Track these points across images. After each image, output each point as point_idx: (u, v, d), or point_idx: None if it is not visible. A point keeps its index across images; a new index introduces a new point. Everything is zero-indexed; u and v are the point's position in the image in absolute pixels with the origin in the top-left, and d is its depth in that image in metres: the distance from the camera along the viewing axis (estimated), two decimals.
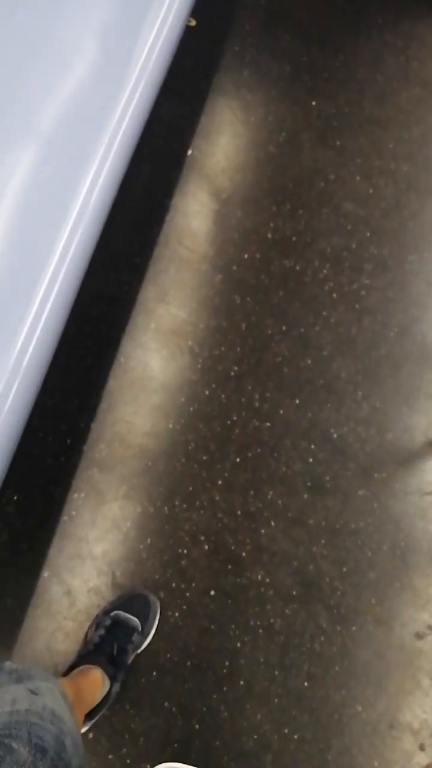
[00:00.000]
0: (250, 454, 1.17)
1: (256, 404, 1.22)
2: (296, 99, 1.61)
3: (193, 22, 1.58)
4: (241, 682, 1.02)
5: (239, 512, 1.12)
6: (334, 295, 1.37)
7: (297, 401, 1.24)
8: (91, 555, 1.05)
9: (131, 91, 0.91)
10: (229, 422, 1.19)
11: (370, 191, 1.52)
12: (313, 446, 1.20)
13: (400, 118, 1.65)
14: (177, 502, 1.11)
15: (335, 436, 1.22)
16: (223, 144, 1.51)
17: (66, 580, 1.04)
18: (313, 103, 1.62)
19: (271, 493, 1.15)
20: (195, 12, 1.55)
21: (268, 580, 1.08)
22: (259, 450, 1.18)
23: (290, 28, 1.72)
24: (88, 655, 0.96)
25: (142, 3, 1.00)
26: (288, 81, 1.64)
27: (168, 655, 1.02)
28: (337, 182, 1.52)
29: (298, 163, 1.52)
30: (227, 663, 1.03)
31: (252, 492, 1.14)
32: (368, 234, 1.46)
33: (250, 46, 1.65)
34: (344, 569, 1.12)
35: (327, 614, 1.08)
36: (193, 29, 1.59)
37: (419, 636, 1.09)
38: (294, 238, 1.42)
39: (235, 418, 1.20)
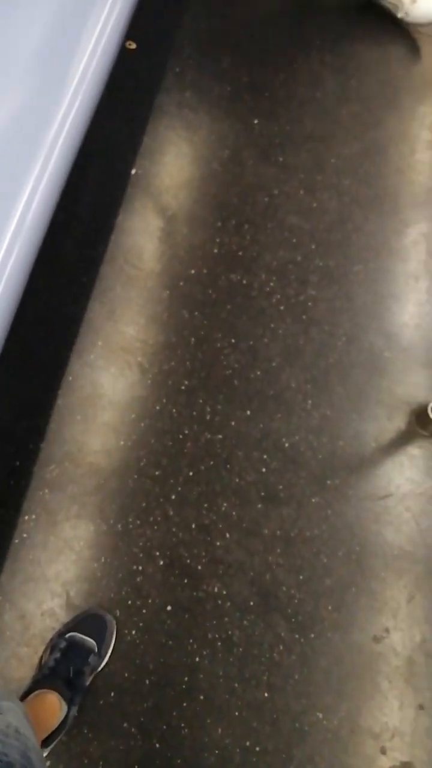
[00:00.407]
0: (202, 467, 1.18)
1: (208, 417, 1.23)
2: (238, 117, 1.65)
3: (133, 45, 1.61)
4: (201, 697, 1.02)
5: (193, 525, 1.12)
6: (282, 307, 1.39)
7: (248, 412, 1.25)
8: (44, 577, 1.03)
9: (66, 111, 0.92)
10: (180, 436, 1.19)
11: (314, 205, 1.56)
12: (265, 456, 1.22)
13: (340, 134, 1.70)
14: (130, 519, 1.10)
15: (287, 445, 1.23)
16: (167, 163, 1.54)
17: (19, 604, 1.02)
18: (255, 122, 1.66)
19: (225, 505, 1.15)
20: (135, 36, 1.59)
21: (224, 592, 1.08)
22: (211, 462, 1.19)
23: (230, 50, 1.76)
24: (44, 679, 0.95)
25: (76, 25, 1.01)
26: (229, 100, 1.67)
27: (126, 675, 1.00)
28: (281, 197, 1.55)
29: (242, 179, 1.55)
30: (186, 679, 1.02)
31: (206, 505, 1.15)
32: (313, 247, 1.49)
33: (191, 67, 1.69)
34: (300, 577, 1.12)
35: (285, 623, 1.08)
36: (132, 52, 1.62)
37: (377, 639, 1.10)
38: (240, 253, 1.44)
39: (186, 431, 1.20)
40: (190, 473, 1.17)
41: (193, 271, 1.39)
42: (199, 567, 1.09)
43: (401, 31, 1.90)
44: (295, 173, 1.60)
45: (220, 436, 1.21)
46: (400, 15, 1.86)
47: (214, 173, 1.54)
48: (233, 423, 1.24)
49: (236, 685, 1.03)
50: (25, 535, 1.06)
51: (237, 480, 1.18)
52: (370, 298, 1.45)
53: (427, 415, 1.29)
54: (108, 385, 1.20)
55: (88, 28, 1.04)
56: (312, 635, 1.08)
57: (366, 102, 1.77)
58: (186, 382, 1.25)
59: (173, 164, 1.53)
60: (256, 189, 1.55)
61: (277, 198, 1.54)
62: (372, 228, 1.55)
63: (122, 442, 1.16)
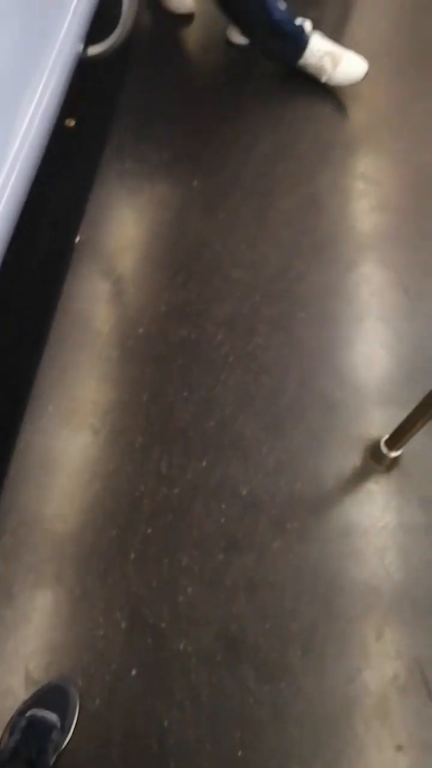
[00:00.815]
0: (161, 523, 1.18)
1: (164, 471, 1.23)
2: (178, 180, 1.73)
3: (72, 123, 1.70)
4: (172, 765, 0.98)
5: (154, 583, 1.11)
6: (231, 358, 1.42)
7: (204, 463, 1.26)
8: (1, 653, 1.01)
9: (2, 184, 0.96)
10: (137, 494, 1.20)
11: (256, 258, 1.62)
12: (223, 505, 1.22)
13: (277, 189, 1.79)
14: (89, 582, 1.09)
15: (244, 492, 1.24)
16: (111, 228, 1.59)
17: None
18: (195, 183, 1.73)
19: (185, 558, 1.15)
20: (72, 113, 1.67)
21: (190, 648, 1.07)
22: (170, 517, 1.19)
23: (167, 119, 1.86)
24: (5, 764, 0.91)
25: (10, 106, 1.07)
26: (168, 166, 1.75)
27: (91, 749, 0.97)
28: (224, 252, 1.61)
29: (185, 238, 1.62)
30: (155, 746, 0.99)
31: (166, 561, 1.14)
32: (258, 297, 1.54)
33: (129, 138, 1.78)
34: (267, 625, 1.11)
35: (254, 674, 1.06)
36: (71, 129, 1.71)
37: (349, 681, 1.09)
38: (188, 308, 1.48)
39: (143, 488, 1.21)
40: (149, 530, 1.16)
41: (141, 330, 1.42)
42: (163, 625, 1.08)
43: (326, 92, 2.02)
44: (236, 229, 1.66)
45: (176, 490, 1.22)
46: (324, 79, 1.99)
47: (157, 235, 1.60)
48: (189, 475, 1.24)
49: (208, 746, 1.00)
50: None
51: (196, 532, 1.18)
52: (318, 342, 1.49)
53: (381, 449, 1.31)
54: (61, 449, 1.21)
55: (23, 109, 1.09)
56: (282, 684, 1.06)
57: (299, 158, 1.87)
58: (140, 439, 1.26)
59: (117, 229, 1.59)
60: (199, 246, 1.60)
61: (220, 253, 1.60)
62: (314, 275, 1.61)
63: (77, 505, 1.16)
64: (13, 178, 1.03)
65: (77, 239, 1.51)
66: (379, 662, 1.10)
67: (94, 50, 1.49)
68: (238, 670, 1.06)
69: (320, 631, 1.12)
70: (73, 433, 1.23)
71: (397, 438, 1.29)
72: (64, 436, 1.22)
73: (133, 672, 1.03)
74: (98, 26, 1.41)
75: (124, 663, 1.04)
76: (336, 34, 2.04)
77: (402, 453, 1.31)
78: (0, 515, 1.11)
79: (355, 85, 1.99)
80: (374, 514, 1.26)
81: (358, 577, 1.18)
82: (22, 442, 1.19)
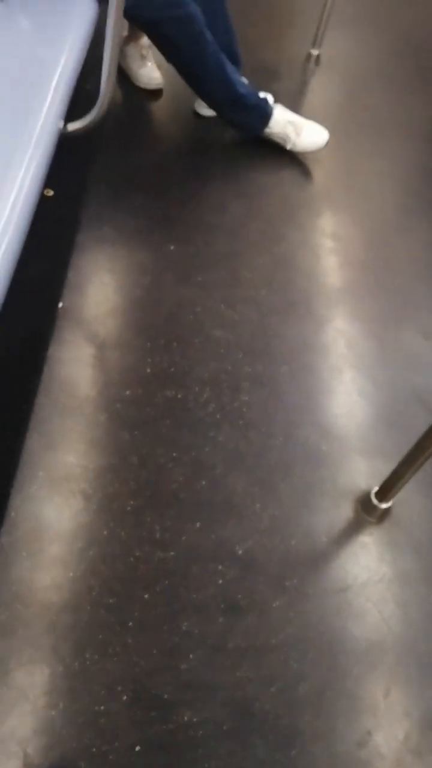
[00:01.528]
0: (158, 588, 1.15)
1: (158, 535, 1.22)
2: (155, 246, 1.78)
3: (50, 193, 1.74)
4: None
5: (155, 651, 1.08)
6: (218, 416, 1.43)
7: (198, 524, 1.25)
8: None
9: None
10: (132, 559, 1.17)
11: (236, 317, 1.66)
12: (220, 567, 1.20)
13: (250, 249, 1.85)
14: (87, 655, 1.05)
15: (240, 552, 1.23)
16: (93, 293, 1.62)
17: None
18: (172, 248, 1.78)
19: (185, 624, 1.12)
20: (50, 184, 1.72)
21: (195, 719, 1.03)
22: (167, 582, 1.17)
23: (141, 188, 1.93)
24: None
25: None
26: (145, 232, 1.81)
27: None
28: (205, 313, 1.64)
29: (165, 301, 1.65)
30: None
31: (165, 627, 1.11)
32: (240, 355, 1.57)
33: (106, 206, 1.83)
34: (273, 689, 1.08)
35: (263, 743, 1.03)
36: (50, 199, 1.75)
37: (360, 745, 1.06)
38: (172, 369, 1.50)
39: (137, 553, 1.19)
40: (146, 596, 1.14)
41: (128, 392, 1.43)
42: (166, 696, 1.04)
43: (291, 157, 2.13)
44: (214, 290, 1.71)
45: (172, 553, 1.20)
46: (288, 146, 2.10)
47: (138, 298, 1.63)
48: (184, 537, 1.23)
49: None
50: None
51: (195, 596, 1.16)
52: (300, 395, 1.52)
53: (372, 501, 1.32)
54: (52, 517, 1.19)
55: (9, 182, 1.12)
56: (293, 752, 1.03)
57: (269, 220, 1.95)
58: (132, 503, 1.25)
59: (98, 294, 1.61)
60: (179, 308, 1.64)
61: (200, 314, 1.64)
62: (292, 331, 1.65)
63: (72, 574, 1.13)
64: (3, 249, 1.05)
65: (60, 305, 1.53)
66: (388, 722, 1.07)
67: (74, 126, 1.55)
68: (247, 739, 1.03)
69: (327, 692, 1.10)
70: (64, 499, 1.21)
71: (386, 490, 1.30)
72: (55, 503, 1.20)
73: (138, 748, 0.99)
74: (76, 103, 1.47)
75: (127, 739, 0.99)
76: (295, 105, 2.17)
77: (392, 503, 1.32)
78: None
79: (317, 151, 2.11)
80: (370, 566, 1.26)
81: (360, 634, 1.17)
82: (12, 510, 1.17)
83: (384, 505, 1.31)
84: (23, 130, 1.23)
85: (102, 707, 1.01)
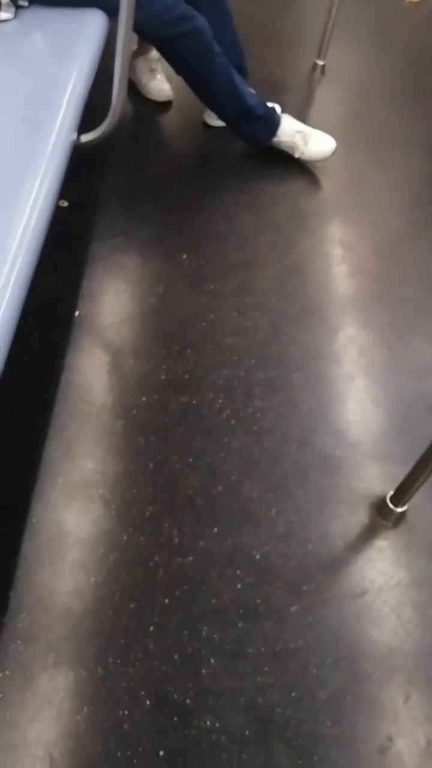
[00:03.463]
0: (177, 593, 1.16)
1: (176, 541, 1.23)
2: (167, 255, 1.80)
3: (65, 204, 1.77)
4: None
5: (176, 656, 1.08)
6: (232, 422, 1.45)
7: (215, 530, 1.26)
8: (24, 741, 0.96)
9: (9, 269, 1.00)
10: (151, 564, 1.18)
11: (248, 324, 1.67)
12: (238, 572, 1.21)
13: (261, 259, 1.87)
14: (110, 660, 1.06)
15: (258, 557, 1.24)
16: (107, 302, 1.64)
17: None
18: (184, 257, 1.80)
19: (205, 629, 1.13)
20: (65, 195, 1.74)
21: (218, 725, 1.03)
22: (186, 587, 1.17)
23: (152, 199, 1.95)
24: None
25: (14, 190, 1.12)
26: (158, 241, 1.83)
27: None
28: (217, 321, 1.66)
29: (178, 309, 1.67)
30: None
31: (186, 632, 1.12)
32: (253, 362, 1.58)
33: (119, 217, 1.85)
34: (293, 694, 1.09)
35: (285, 749, 1.03)
36: (64, 210, 1.77)
37: (382, 751, 1.06)
38: (186, 376, 1.51)
39: (157, 558, 1.19)
40: (166, 601, 1.14)
41: (144, 399, 1.44)
42: (188, 701, 1.05)
43: (300, 167, 2.15)
44: (226, 298, 1.72)
45: (191, 558, 1.21)
46: (297, 155, 2.12)
47: (152, 306, 1.65)
48: (202, 543, 1.24)
49: None
50: (0, 695, 0.99)
51: (214, 601, 1.17)
52: (313, 401, 1.53)
53: (388, 505, 1.33)
54: (73, 522, 1.20)
55: (25, 193, 1.15)
56: (315, 758, 1.03)
57: (280, 229, 1.97)
58: (150, 508, 1.26)
59: (113, 303, 1.63)
60: (192, 316, 1.65)
61: (213, 322, 1.65)
62: (304, 338, 1.67)
63: (93, 579, 1.14)
64: (20, 259, 1.07)
65: (77, 313, 1.55)
66: (410, 728, 1.08)
67: (87, 137, 1.57)
68: (269, 745, 1.03)
69: (347, 697, 1.10)
70: (84, 506, 1.22)
71: (401, 493, 1.31)
72: (75, 509, 1.21)
73: (161, 753, 0.99)
74: (89, 115, 1.49)
75: (151, 744, 1.00)
76: (302, 116, 2.20)
77: (407, 507, 1.33)
78: (15, 594, 1.09)
79: (325, 160, 2.13)
80: (387, 570, 1.26)
81: (379, 638, 1.17)
82: (33, 517, 1.18)
83: (399, 509, 1.32)
84: (38, 143, 1.26)
85: (125, 712, 1.01)
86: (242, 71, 2.07)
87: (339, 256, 1.93)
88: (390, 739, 1.07)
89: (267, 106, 2.07)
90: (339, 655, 1.14)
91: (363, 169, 2.25)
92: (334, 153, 2.11)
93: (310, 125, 2.13)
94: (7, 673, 1.02)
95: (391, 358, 1.68)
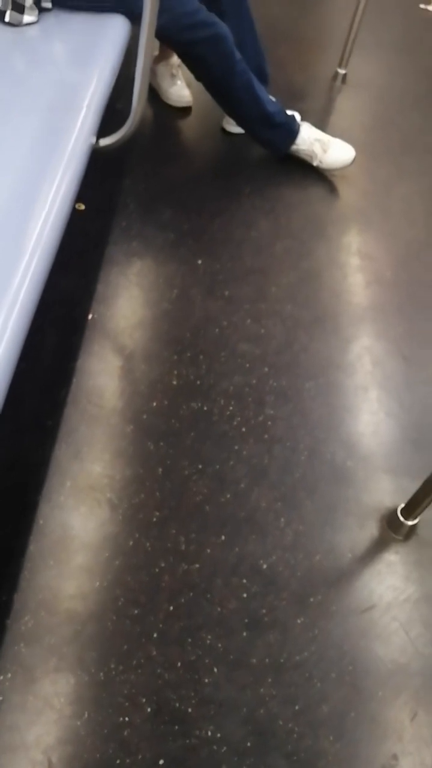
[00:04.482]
0: (182, 600, 1.15)
1: (182, 547, 1.22)
2: (183, 260, 1.80)
3: (82, 207, 1.78)
4: None
5: (179, 664, 1.08)
6: (243, 429, 1.44)
7: (222, 538, 1.25)
8: (24, 744, 0.96)
9: (24, 269, 1.00)
10: (156, 570, 1.18)
11: (262, 331, 1.67)
12: (244, 581, 1.20)
13: (277, 266, 1.86)
14: (112, 665, 1.05)
15: (264, 567, 1.22)
16: (121, 306, 1.64)
17: None
18: (199, 262, 1.80)
19: (209, 637, 1.12)
20: (82, 198, 1.75)
21: (218, 735, 1.02)
22: (191, 594, 1.16)
23: (169, 203, 1.95)
24: None
25: (31, 192, 1.13)
26: (173, 246, 1.83)
27: None
28: (230, 327, 1.65)
29: (192, 314, 1.66)
30: None
31: (189, 640, 1.11)
32: (266, 369, 1.58)
33: (135, 221, 1.85)
34: (296, 707, 1.07)
35: (286, 763, 1.02)
36: (81, 212, 1.78)
37: None
38: (198, 382, 1.51)
39: (162, 564, 1.19)
40: (170, 608, 1.14)
41: (154, 404, 1.44)
42: (189, 710, 1.04)
43: (318, 175, 2.15)
44: (241, 304, 1.72)
45: (197, 566, 1.20)
46: (315, 163, 2.12)
47: (165, 311, 1.65)
48: (209, 550, 1.23)
49: None
50: (0, 698, 0.99)
51: (219, 609, 1.16)
52: (325, 412, 1.52)
53: (398, 518, 1.31)
54: (79, 525, 1.19)
55: (43, 195, 1.15)
56: None
57: (296, 236, 1.96)
58: (157, 513, 1.25)
59: (127, 307, 1.63)
60: (206, 322, 1.65)
61: (226, 328, 1.65)
62: (317, 347, 1.66)
63: (98, 583, 1.13)
64: (36, 260, 1.07)
65: (90, 316, 1.55)
66: (415, 747, 1.06)
67: (106, 141, 1.58)
68: (269, 758, 1.02)
69: (351, 713, 1.08)
70: (90, 509, 1.22)
71: (413, 506, 1.29)
72: (82, 512, 1.21)
73: (161, 762, 0.98)
74: (108, 119, 1.50)
75: (150, 752, 0.99)
76: (321, 124, 2.19)
77: (418, 521, 1.31)
78: (20, 595, 1.08)
79: (343, 168, 2.12)
80: (397, 585, 1.24)
81: (385, 655, 1.16)
82: (40, 518, 1.18)
83: (410, 522, 1.30)
84: (57, 145, 1.26)
85: (126, 718, 1.01)
86: (263, 78, 2.07)
87: (356, 264, 1.92)
88: (395, 758, 1.05)
89: (287, 114, 2.06)
90: (343, 670, 1.13)
91: (383, 178, 2.23)
92: (353, 162, 2.11)
93: (329, 133, 2.12)
94: (9, 675, 1.01)
95: (407, 369, 1.66)
